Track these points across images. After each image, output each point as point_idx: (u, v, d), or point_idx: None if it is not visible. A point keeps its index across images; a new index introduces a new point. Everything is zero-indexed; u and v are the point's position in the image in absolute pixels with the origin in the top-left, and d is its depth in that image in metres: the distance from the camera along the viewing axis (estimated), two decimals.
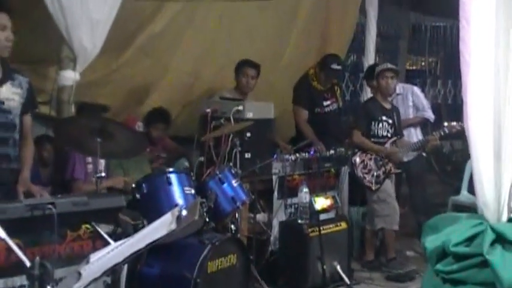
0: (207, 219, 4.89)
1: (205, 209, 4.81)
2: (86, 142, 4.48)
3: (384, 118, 6.61)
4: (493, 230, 3.52)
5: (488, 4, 3.52)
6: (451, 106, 11.72)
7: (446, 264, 3.62)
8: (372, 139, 6.59)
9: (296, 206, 6.05)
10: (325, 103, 7.29)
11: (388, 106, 6.72)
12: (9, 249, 2.84)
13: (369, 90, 7.64)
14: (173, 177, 4.83)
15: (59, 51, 5.23)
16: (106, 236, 3.59)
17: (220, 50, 7.25)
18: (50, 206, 3.60)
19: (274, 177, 6.08)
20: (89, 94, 5.86)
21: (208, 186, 5.13)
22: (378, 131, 6.60)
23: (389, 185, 6.59)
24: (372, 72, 7.09)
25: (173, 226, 2.68)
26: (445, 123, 6.81)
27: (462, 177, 7.87)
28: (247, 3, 7.08)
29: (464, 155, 8.33)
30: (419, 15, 10.88)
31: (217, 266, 4.71)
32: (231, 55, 7.06)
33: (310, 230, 5.66)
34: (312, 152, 6.47)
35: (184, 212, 2.72)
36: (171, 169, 4.97)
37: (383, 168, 6.54)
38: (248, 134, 5.89)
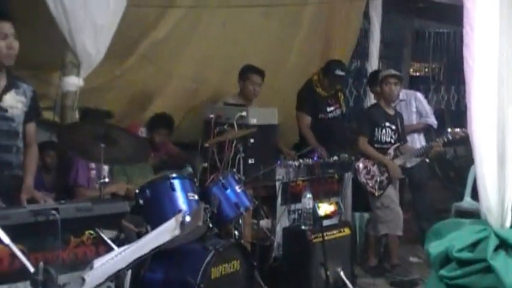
0: (211, 225, 4.89)
1: (208, 215, 4.81)
2: (89, 148, 4.48)
3: (388, 124, 6.60)
4: (497, 235, 3.52)
5: (492, 10, 3.53)
6: (454, 112, 11.71)
7: (450, 269, 3.62)
8: (375, 145, 6.59)
9: (299, 212, 6.05)
10: (328, 109, 7.29)
11: (391, 112, 6.72)
12: (13, 255, 2.84)
13: (372, 96, 7.65)
14: (177, 183, 4.83)
15: (62, 56, 5.25)
16: (109, 242, 3.59)
17: (224, 56, 7.26)
18: (53, 211, 3.60)
19: (277, 183, 6.08)
20: (92, 100, 5.87)
21: (212, 192, 5.12)
22: (381, 137, 6.60)
23: (392, 191, 6.58)
24: (375, 78, 7.09)
25: (177, 232, 2.68)
26: (449, 130, 6.79)
27: (465, 183, 7.87)
28: (251, 9, 7.08)
29: (468, 161, 8.32)
30: (423, 21, 10.87)
31: (221, 271, 4.71)
32: (235, 61, 7.06)
33: (313, 236, 5.65)
34: (315, 158, 6.47)
35: (187, 218, 2.72)
36: (174, 175, 4.97)
37: (386, 174, 6.53)
38: (252, 140, 5.88)
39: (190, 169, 6.30)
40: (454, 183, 9.36)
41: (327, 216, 5.79)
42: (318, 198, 5.96)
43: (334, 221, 6.08)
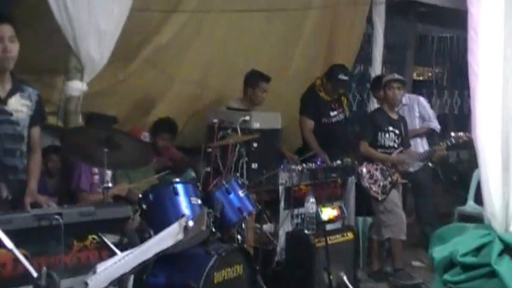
0: (213, 230, 4.88)
1: (211, 219, 4.80)
2: (92, 152, 4.48)
3: (391, 128, 6.60)
4: (501, 240, 3.52)
5: (497, 15, 3.52)
6: (457, 116, 11.69)
7: (454, 274, 3.61)
8: (379, 149, 6.59)
9: (302, 216, 6.03)
10: (332, 113, 7.29)
11: (395, 116, 6.72)
12: (16, 260, 2.83)
13: (375, 100, 7.64)
14: (180, 188, 4.82)
15: (66, 61, 5.25)
16: (112, 246, 3.59)
17: (227, 61, 7.27)
18: (57, 216, 3.60)
19: (280, 188, 6.07)
20: (95, 104, 5.87)
21: (215, 196, 5.11)
22: (384, 142, 6.59)
23: (395, 195, 6.57)
24: (378, 83, 7.10)
25: (180, 236, 2.68)
26: (452, 134, 6.79)
27: (468, 188, 7.87)
28: (254, 14, 7.08)
29: (471, 165, 8.33)
30: (426, 26, 10.87)
31: (224, 276, 4.70)
32: (238, 66, 7.08)
33: (316, 240, 5.64)
34: (318, 162, 6.46)
35: (191, 223, 2.71)
36: (177, 179, 4.96)
37: (389, 178, 6.53)
38: (255, 144, 5.89)
39: (193, 173, 6.30)
40: (457, 188, 9.35)
41: (330, 221, 5.79)
42: (321, 202, 5.95)
43: (337, 225, 6.07)
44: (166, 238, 2.72)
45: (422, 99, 7.66)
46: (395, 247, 6.58)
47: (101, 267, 2.74)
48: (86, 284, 2.67)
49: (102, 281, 2.67)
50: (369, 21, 8.44)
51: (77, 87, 5.22)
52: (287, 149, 7.07)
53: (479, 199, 7.36)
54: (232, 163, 5.76)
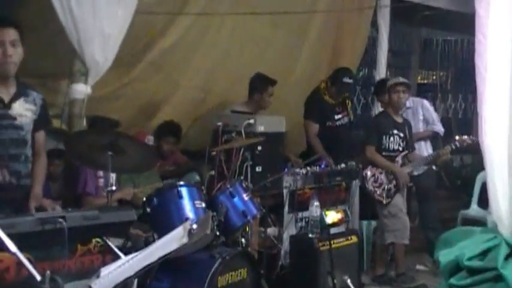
0: (218, 233, 4.87)
1: (215, 223, 4.79)
2: (97, 156, 4.47)
3: (396, 132, 6.59)
4: (508, 244, 3.50)
5: (506, 19, 3.50)
6: (461, 120, 11.69)
7: (460, 278, 3.60)
8: (383, 153, 6.57)
9: (307, 219, 6.02)
10: (336, 117, 7.29)
11: (399, 120, 6.70)
12: (19, 264, 2.82)
13: (379, 104, 7.63)
14: (184, 191, 4.80)
15: (70, 64, 5.25)
16: (116, 250, 3.57)
17: (232, 64, 7.26)
18: (60, 219, 3.59)
19: (285, 191, 6.05)
20: (100, 108, 5.87)
21: (219, 200, 5.10)
22: (389, 145, 6.58)
23: (400, 199, 6.56)
24: (382, 87, 7.09)
25: (184, 240, 2.67)
26: (456, 137, 6.78)
27: (472, 191, 7.86)
28: (259, 17, 7.08)
29: (474, 169, 8.32)
30: (431, 29, 10.87)
31: (228, 280, 4.68)
32: (243, 69, 7.07)
33: (320, 244, 5.62)
34: (322, 166, 6.45)
35: (195, 226, 2.70)
36: (181, 183, 4.95)
37: (394, 182, 6.51)
38: (259, 148, 5.88)
39: (197, 177, 6.29)
40: (461, 191, 9.33)
41: (334, 224, 5.79)
42: (325, 206, 5.94)
43: (341, 229, 6.07)
44: (171, 242, 2.71)
45: (426, 102, 7.64)
46: (398, 252, 6.56)
47: (104, 271, 2.73)
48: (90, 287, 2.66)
49: (106, 285, 2.66)
50: (374, 24, 8.44)
51: (81, 90, 5.23)
52: (291, 153, 7.07)
53: (482, 203, 7.38)
54: (236, 167, 5.75)
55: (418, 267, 7.10)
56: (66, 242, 3.57)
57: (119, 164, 4.42)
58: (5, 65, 3.95)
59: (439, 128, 7.48)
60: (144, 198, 4.80)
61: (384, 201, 6.50)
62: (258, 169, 5.90)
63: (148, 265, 2.68)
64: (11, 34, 3.94)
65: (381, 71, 8.18)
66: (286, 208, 6.09)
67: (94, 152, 4.45)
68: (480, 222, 6.96)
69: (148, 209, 4.72)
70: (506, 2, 3.53)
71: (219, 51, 7.13)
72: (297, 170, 6.21)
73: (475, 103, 3.91)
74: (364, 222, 7.00)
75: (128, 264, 2.71)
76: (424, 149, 7.35)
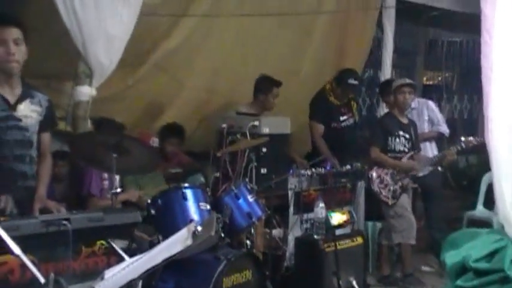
0: (223, 235, 4.86)
1: (220, 225, 4.78)
2: (101, 158, 4.46)
3: (401, 133, 6.57)
4: None
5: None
6: (467, 121, 11.66)
7: (467, 279, 3.58)
8: (389, 154, 6.55)
9: (312, 221, 6.01)
10: (341, 118, 7.27)
11: (405, 121, 6.68)
12: (23, 266, 2.82)
13: (385, 104, 7.62)
14: (189, 193, 4.81)
15: (75, 66, 5.25)
16: (121, 252, 3.57)
17: (236, 66, 7.25)
18: (65, 221, 3.59)
19: (290, 193, 6.04)
20: (104, 110, 5.86)
21: (224, 201, 5.10)
22: (395, 146, 6.56)
23: (406, 200, 6.54)
24: (387, 88, 7.09)
25: (189, 242, 2.66)
26: (462, 138, 6.75)
27: (478, 192, 7.84)
28: (264, 18, 7.07)
29: (480, 169, 8.29)
30: (436, 30, 10.84)
31: (233, 281, 4.68)
32: (247, 71, 7.07)
33: (326, 245, 5.62)
34: (328, 167, 6.44)
35: (199, 228, 2.69)
36: (186, 184, 4.95)
37: (400, 183, 6.49)
38: (264, 149, 5.88)
39: (202, 179, 6.28)
40: (467, 192, 9.31)
41: (339, 226, 5.78)
42: (330, 207, 5.93)
43: (346, 230, 6.04)
44: (175, 243, 2.70)
45: (431, 103, 7.62)
46: (405, 252, 6.55)
47: (109, 273, 2.72)
48: None
49: (110, 287, 2.65)
50: (379, 25, 8.44)
51: (86, 92, 5.23)
52: (296, 154, 7.06)
53: (488, 204, 7.36)
54: (241, 168, 5.75)
55: (424, 268, 7.08)
56: (71, 243, 3.57)
57: (123, 165, 4.41)
58: (8, 64, 3.93)
59: (444, 129, 7.46)
60: (149, 200, 4.80)
61: (390, 202, 6.49)
62: (263, 170, 5.90)
63: (153, 267, 2.68)
64: (14, 33, 3.93)
65: (386, 72, 8.17)
66: (291, 209, 6.08)
67: (99, 153, 4.44)
68: (486, 223, 6.95)
69: (152, 211, 4.72)
70: None
71: (224, 52, 7.12)
72: (302, 171, 6.20)
73: (480, 104, 3.89)
74: (370, 223, 6.98)
75: (132, 266, 2.70)
76: (429, 149, 7.34)
